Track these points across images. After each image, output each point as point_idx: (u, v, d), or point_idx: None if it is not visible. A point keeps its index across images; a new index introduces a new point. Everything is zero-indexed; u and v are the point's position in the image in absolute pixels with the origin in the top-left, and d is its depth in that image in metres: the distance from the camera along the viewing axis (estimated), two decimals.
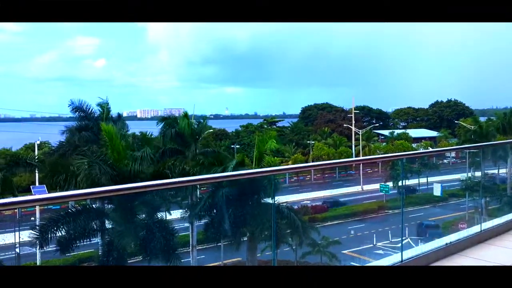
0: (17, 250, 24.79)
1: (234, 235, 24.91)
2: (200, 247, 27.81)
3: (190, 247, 26.34)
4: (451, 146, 52.19)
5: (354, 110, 71.70)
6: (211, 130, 62.94)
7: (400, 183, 34.97)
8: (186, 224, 26.90)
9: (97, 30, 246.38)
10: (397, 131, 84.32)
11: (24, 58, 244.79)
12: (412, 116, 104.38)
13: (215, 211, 24.99)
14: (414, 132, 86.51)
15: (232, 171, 21.43)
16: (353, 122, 68.41)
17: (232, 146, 67.53)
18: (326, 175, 65.03)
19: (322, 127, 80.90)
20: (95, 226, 22.68)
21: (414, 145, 73.16)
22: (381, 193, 44.97)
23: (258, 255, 25.40)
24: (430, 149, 52.00)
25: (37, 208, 29.23)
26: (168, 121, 29.48)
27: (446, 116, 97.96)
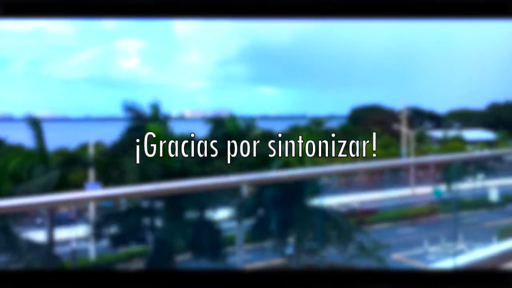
0: (73, 245, 25.92)
1: (280, 235, 24.88)
2: (247, 247, 27.96)
3: (237, 247, 26.55)
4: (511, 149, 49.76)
5: (405, 111, 69.80)
6: (258, 131, 63.14)
7: (453, 187, 33.69)
8: (233, 224, 27.13)
9: (128, 30, 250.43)
10: (451, 133, 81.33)
11: (58, 59, 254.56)
12: (467, 117, 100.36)
13: (261, 211, 25.07)
14: (469, 134, 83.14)
15: (277, 172, 21.41)
16: (404, 123, 66.61)
17: (279, 146, 67.49)
18: (375, 177, 63.70)
19: (371, 128, 79.36)
20: (145, 223, 23.36)
21: (469, 148, 70.34)
22: (434, 197, 43.55)
23: (304, 257, 25.23)
24: (487, 152, 49.78)
25: (92, 204, 30.43)
26: (215, 121, 29.88)
27: (505, 117, 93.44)
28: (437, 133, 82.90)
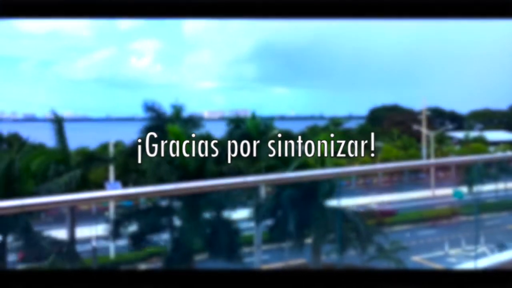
0: (93, 243, 26.27)
1: (298, 236, 24.79)
2: (264, 247, 27.94)
3: (255, 247, 26.55)
4: None
5: (426, 111, 68.86)
6: (277, 131, 63.08)
7: (475, 189, 33.13)
8: (251, 224, 27.14)
9: (143, 31, 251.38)
10: (472, 134, 79.95)
11: (75, 59, 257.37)
12: (489, 118, 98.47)
13: (279, 211, 25.02)
14: (491, 135, 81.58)
15: (295, 172, 21.33)
16: (424, 123, 65.72)
17: (298, 147, 67.27)
18: (395, 179, 62.99)
19: (391, 129, 78.52)
20: (164, 223, 23.54)
21: (491, 149, 69.02)
22: (454, 199, 42.88)
23: (323, 258, 25.10)
24: (510, 153, 48.73)
25: (112, 203, 30.81)
26: (235, 121, 29.96)
27: None
28: (458, 134, 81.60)
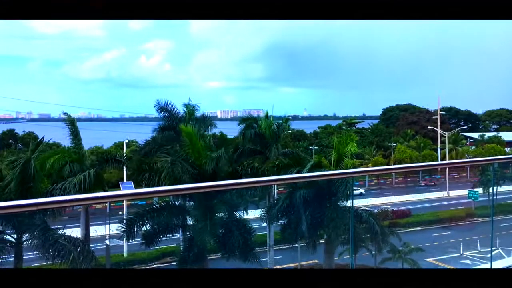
0: (107, 242, 26.46)
1: (311, 237, 24.70)
2: (277, 247, 27.89)
3: (267, 247, 26.52)
4: None
5: (440, 111, 68.12)
6: (290, 131, 62.95)
7: (490, 190, 32.70)
8: (263, 224, 27.12)
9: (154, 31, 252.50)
10: (488, 134, 78.91)
11: (87, 59, 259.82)
12: (505, 118, 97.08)
13: (292, 212, 24.95)
14: (507, 135, 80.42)
15: (308, 173, 21.24)
16: (439, 124, 65.03)
17: (310, 147, 67.08)
18: (409, 179, 62.43)
19: (404, 129, 77.85)
20: (176, 222, 23.62)
21: (507, 149, 68.04)
22: (469, 200, 42.35)
23: (336, 258, 24.97)
24: None
25: (125, 202, 31.05)
26: (248, 121, 29.93)
27: None
28: (474, 134, 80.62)
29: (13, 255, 19.50)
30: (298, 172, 22.66)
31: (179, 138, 25.02)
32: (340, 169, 23.41)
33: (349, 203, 23.14)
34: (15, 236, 19.58)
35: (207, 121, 28.87)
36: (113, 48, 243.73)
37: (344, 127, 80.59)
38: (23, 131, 65.58)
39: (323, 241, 25.12)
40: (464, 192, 44.79)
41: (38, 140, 25.76)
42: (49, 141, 32.63)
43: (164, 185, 19.94)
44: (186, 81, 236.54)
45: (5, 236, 19.81)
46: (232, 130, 32.25)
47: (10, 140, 63.82)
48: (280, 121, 31.17)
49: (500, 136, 76.66)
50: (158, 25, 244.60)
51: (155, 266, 29.89)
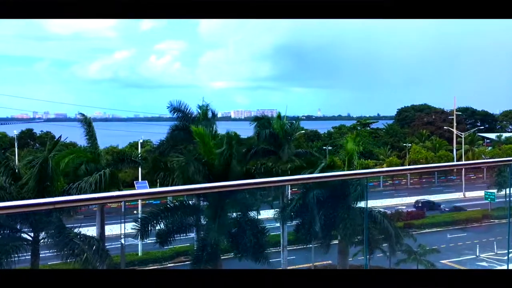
0: (122, 241, 26.68)
1: (324, 237, 24.62)
2: (290, 248, 27.84)
3: (281, 247, 26.49)
4: None
5: (456, 111, 67.33)
6: (303, 131, 62.80)
7: (507, 191, 32.21)
8: (277, 224, 27.09)
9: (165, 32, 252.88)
10: (505, 135, 77.73)
11: (98, 60, 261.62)
12: None
13: (306, 212, 24.89)
14: None
15: (321, 173, 21.19)
16: (455, 124, 64.29)
17: (324, 147, 66.87)
18: (424, 180, 61.80)
19: (420, 130, 77.08)
20: (190, 222, 23.74)
21: None
22: (486, 201, 41.76)
23: (349, 259, 24.85)
24: None
25: (140, 202, 31.30)
26: (261, 121, 29.95)
27: None
28: (491, 135, 79.48)
29: (29, 253, 19.79)
30: (310, 173, 22.62)
31: (192, 138, 25.15)
32: (352, 170, 23.30)
33: (363, 204, 23.01)
34: (32, 234, 19.87)
35: (220, 121, 29.00)
36: (124, 48, 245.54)
37: (358, 128, 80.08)
38: (41, 131, 66.45)
39: (337, 242, 25.02)
40: (481, 193, 44.22)
41: (55, 139, 26.05)
42: (65, 140, 33.01)
43: (177, 185, 20.08)
44: (196, 81, 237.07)
45: (22, 234, 20.12)
46: (246, 131, 32.26)
47: (28, 140, 64.73)
48: (293, 121, 31.14)
49: None
50: (168, 25, 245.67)
51: (169, 265, 30.07)
